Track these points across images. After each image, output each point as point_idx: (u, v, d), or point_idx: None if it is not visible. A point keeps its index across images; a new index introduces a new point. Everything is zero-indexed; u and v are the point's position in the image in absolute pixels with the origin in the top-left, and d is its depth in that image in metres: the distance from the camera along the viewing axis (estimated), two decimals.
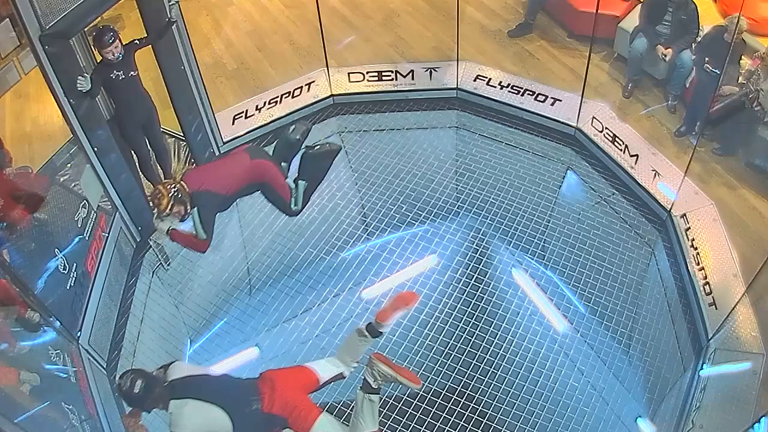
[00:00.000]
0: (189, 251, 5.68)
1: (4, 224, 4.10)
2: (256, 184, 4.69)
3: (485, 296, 5.83)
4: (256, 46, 7.48)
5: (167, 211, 4.41)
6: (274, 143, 5.03)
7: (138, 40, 4.99)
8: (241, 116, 6.37)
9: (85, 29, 4.97)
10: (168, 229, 4.58)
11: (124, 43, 4.83)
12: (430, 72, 6.62)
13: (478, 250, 6.22)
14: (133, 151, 5.54)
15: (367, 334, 3.62)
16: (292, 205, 4.79)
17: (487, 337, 5.23)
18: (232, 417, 3.36)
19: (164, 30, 5.08)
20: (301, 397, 3.53)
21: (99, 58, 4.95)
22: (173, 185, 4.39)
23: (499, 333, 5.28)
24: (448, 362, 5.25)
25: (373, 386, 3.46)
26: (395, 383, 3.50)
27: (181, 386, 3.41)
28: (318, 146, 4.78)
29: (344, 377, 3.72)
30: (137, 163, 5.60)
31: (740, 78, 5.61)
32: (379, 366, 3.44)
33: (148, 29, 5.05)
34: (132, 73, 4.97)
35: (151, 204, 4.50)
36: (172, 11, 5.00)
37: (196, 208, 4.45)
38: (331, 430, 3.49)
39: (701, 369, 4.82)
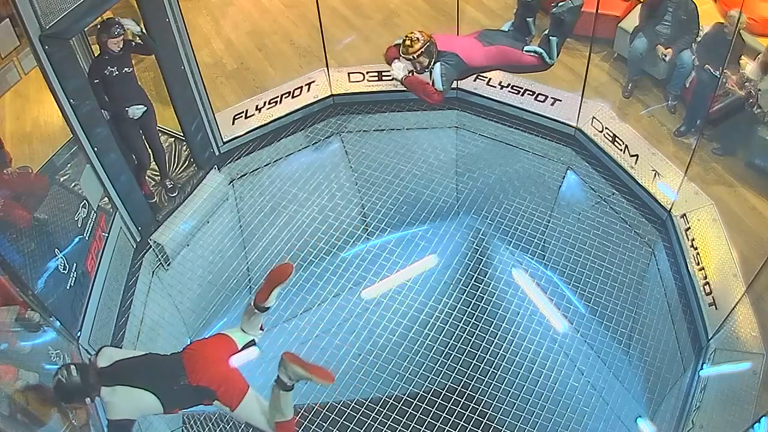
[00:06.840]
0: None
1: None
2: (497, 66, 5.24)
3: (485, 296, 5.83)
4: (256, 46, 7.48)
5: (413, 56, 4.78)
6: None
7: (136, 43, 5.08)
8: (241, 116, 6.37)
9: (85, 29, 4.99)
10: (405, 75, 4.91)
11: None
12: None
13: (478, 250, 6.23)
14: (133, 154, 5.54)
15: (255, 310, 3.78)
16: (547, 60, 5.00)
17: (487, 337, 5.23)
18: (159, 396, 3.54)
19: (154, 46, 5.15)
20: (228, 369, 3.67)
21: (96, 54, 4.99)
22: (428, 38, 4.78)
23: (499, 333, 5.29)
24: (448, 362, 5.25)
25: (288, 384, 3.53)
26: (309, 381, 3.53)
27: (108, 374, 3.55)
28: (562, 4, 4.92)
29: (255, 343, 3.90)
30: (136, 165, 5.61)
31: (738, 78, 5.61)
32: (292, 367, 3.48)
33: (148, 29, 5.06)
34: (126, 69, 5.05)
35: (404, 44, 4.81)
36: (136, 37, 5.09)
37: (439, 64, 4.83)
38: (257, 408, 3.66)
39: (701, 369, 4.82)
